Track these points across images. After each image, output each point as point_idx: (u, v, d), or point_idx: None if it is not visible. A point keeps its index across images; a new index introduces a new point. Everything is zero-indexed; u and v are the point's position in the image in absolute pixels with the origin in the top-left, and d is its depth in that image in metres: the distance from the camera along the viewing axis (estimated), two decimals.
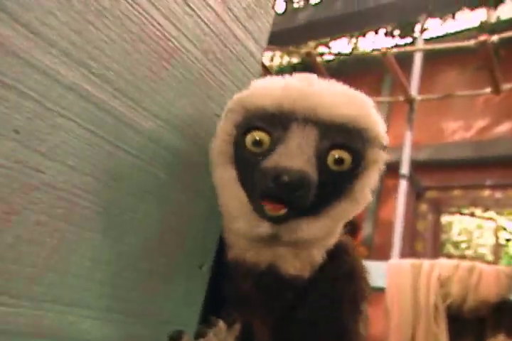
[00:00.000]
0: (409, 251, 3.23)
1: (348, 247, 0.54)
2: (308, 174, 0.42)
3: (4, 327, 0.33)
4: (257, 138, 0.45)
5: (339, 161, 0.44)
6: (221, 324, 0.47)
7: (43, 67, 0.35)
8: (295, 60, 4.12)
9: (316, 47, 3.84)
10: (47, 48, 0.36)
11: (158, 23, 0.46)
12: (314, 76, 0.49)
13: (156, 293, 0.45)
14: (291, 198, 0.42)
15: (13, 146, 0.34)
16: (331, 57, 3.53)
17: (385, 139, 0.49)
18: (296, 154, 0.42)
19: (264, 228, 0.46)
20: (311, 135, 0.44)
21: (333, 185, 0.45)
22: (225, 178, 0.48)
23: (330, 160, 0.44)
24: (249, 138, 0.46)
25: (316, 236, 0.47)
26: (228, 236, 0.52)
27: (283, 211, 0.43)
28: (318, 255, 0.51)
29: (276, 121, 0.45)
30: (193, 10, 0.50)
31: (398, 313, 1.60)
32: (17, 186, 0.34)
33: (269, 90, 0.47)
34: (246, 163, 0.46)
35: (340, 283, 0.51)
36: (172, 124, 0.48)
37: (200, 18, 0.51)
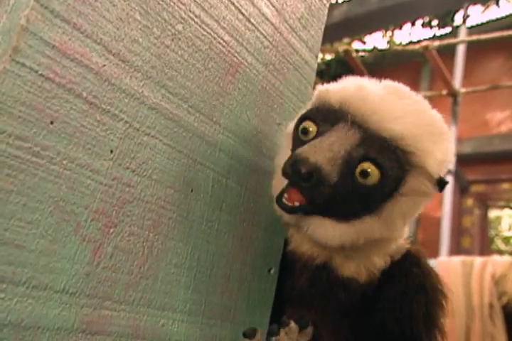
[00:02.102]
0: (456, 247, 3.14)
1: (418, 259, 0.52)
2: (322, 169, 0.41)
3: (110, 328, 0.36)
4: (306, 127, 0.47)
5: (364, 174, 0.43)
6: (293, 324, 0.49)
7: (131, 91, 0.39)
8: (329, 57, 4.09)
9: (350, 42, 3.79)
10: (133, 73, 0.39)
11: (224, 40, 0.48)
12: (401, 86, 0.49)
13: (232, 296, 0.48)
14: (303, 188, 0.43)
15: (110, 165, 0.37)
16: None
17: (438, 171, 0.45)
18: (322, 150, 0.42)
19: (288, 217, 0.48)
20: (350, 139, 0.43)
21: (357, 196, 0.44)
22: (279, 161, 0.49)
23: (358, 170, 0.43)
24: (301, 126, 0.47)
25: (332, 240, 0.46)
26: (290, 228, 0.52)
27: (297, 203, 0.44)
28: (379, 261, 0.50)
29: (330, 116, 0.46)
30: (254, 25, 0.52)
31: (451, 313, 1.56)
32: (114, 201, 0.37)
33: (343, 87, 0.47)
34: (294, 149, 0.47)
35: (411, 297, 0.50)
36: (240, 136, 0.50)
37: (259, 32, 0.53)
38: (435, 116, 0.48)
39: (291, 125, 0.50)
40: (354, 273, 0.50)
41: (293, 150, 0.48)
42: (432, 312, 0.50)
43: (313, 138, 0.45)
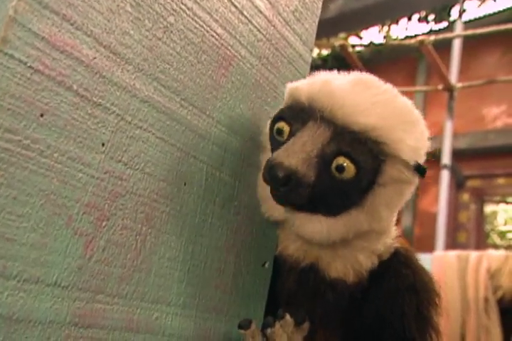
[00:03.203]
0: (452, 242, 3.16)
1: (407, 258, 0.52)
2: (298, 172, 0.42)
3: (103, 322, 0.36)
4: (279, 127, 0.47)
5: (339, 169, 0.43)
6: (288, 317, 0.49)
7: (122, 84, 0.38)
8: (325, 52, 4.08)
9: (347, 37, 3.78)
10: (124, 66, 0.38)
11: (216, 33, 0.48)
12: (371, 78, 0.49)
13: (226, 289, 0.48)
14: (281, 192, 0.43)
15: (101, 158, 0.37)
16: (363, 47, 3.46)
17: (414, 158, 0.45)
18: (295, 151, 0.42)
19: (278, 213, 0.49)
20: (321, 136, 0.44)
21: (337, 191, 0.44)
22: (261, 162, 0.50)
23: (333, 165, 0.43)
24: (275, 127, 0.48)
25: (320, 235, 0.46)
26: (278, 229, 0.53)
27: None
28: (366, 260, 0.50)
29: (300, 115, 0.46)
30: (247, 18, 0.52)
31: (446, 306, 1.58)
32: (106, 194, 0.37)
33: (311, 84, 0.47)
34: (272, 149, 0.49)
35: (401, 297, 0.49)
36: (233, 129, 0.50)
37: (253, 24, 0.53)
38: (405, 103, 0.48)
39: (267, 127, 0.50)
40: (341, 273, 0.50)
41: (272, 150, 0.49)
42: (423, 312, 0.50)
43: (288, 137, 0.46)
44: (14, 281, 0.31)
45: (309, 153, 0.43)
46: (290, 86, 0.50)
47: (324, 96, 0.45)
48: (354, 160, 0.43)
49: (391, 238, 0.52)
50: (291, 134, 0.46)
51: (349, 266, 0.50)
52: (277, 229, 0.54)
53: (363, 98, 0.45)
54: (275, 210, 0.49)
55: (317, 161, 0.43)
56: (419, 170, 0.46)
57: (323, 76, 0.50)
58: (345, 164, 0.43)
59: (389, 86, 0.49)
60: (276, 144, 0.47)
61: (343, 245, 0.49)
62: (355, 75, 0.49)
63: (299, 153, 0.42)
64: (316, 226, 0.47)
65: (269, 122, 0.50)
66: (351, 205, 0.46)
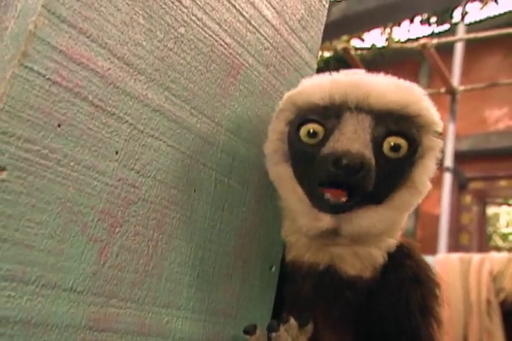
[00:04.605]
0: (454, 244, 3.16)
1: (410, 250, 0.53)
2: (367, 156, 0.43)
3: (116, 326, 0.37)
4: (311, 130, 0.47)
5: (396, 148, 0.45)
6: (292, 321, 0.50)
7: (135, 93, 0.39)
8: (327, 54, 4.09)
9: (349, 40, 3.79)
10: (137, 76, 0.39)
11: (225, 43, 0.49)
12: (361, 70, 0.52)
13: (234, 293, 0.49)
14: (352, 181, 0.42)
15: (115, 166, 0.38)
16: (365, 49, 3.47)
17: (439, 126, 0.49)
18: (352, 138, 0.43)
19: (325, 222, 0.46)
20: (365, 122, 0.45)
21: (391, 172, 0.46)
22: (282, 176, 0.50)
23: (386, 147, 0.45)
24: (303, 131, 0.47)
25: (377, 228, 0.47)
26: (288, 237, 0.53)
27: (345, 198, 0.44)
28: (379, 255, 0.51)
29: (329, 112, 0.46)
30: (254, 27, 0.53)
31: (448, 309, 1.58)
32: (119, 201, 0.38)
33: (318, 85, 0.49)
34: (302, 156, 0.47)
35: (406, 288, 0.51)
36: (241, 136, 0.51)
37: (260, 33, 0.54)
38: (411, 83, 0.51)
39: (271, 143, 0.51)
40: (358, 270, 0.51)
41: (297, 161, 0.48)
42: (427, 302, 0.51)
43: (324, 136, 0.46)
44: (33, 286, 0.32)
45: (364, 138, 0.44)
46: (289, 94, 0.51)
47: (351, 87, 0.46)
48: (405, 136, 0.45)
49: (399, 232, 0.54)
50: (328, 132, 0.46)
51: (366, 262, 0.51)
52: (285, 235, 0.53)
53: (380, 82, 0.48)
54: (321, 220, 0.46)
55: (372, 146, 0.44)
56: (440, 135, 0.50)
57: (320, 78, 0.51)
58: (398, 142, 0.45)
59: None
60: (308, 148, 0.46)
61: (359, 242, 0.49)
62: (347, 71, 0.52)
63: (356, 139, 0.43)
64: (368, 221, 0.46)
65: (285, 130, 0.50)
66: (397, 186, 0.47)
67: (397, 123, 0.46)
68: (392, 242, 0.52)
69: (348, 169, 0.41)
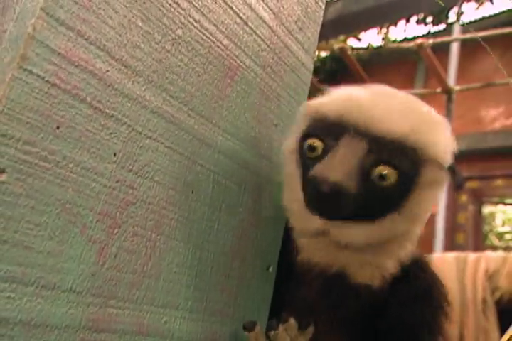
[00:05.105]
0: (450, 243, 3.18)
1: (423, 263, 0.54)
2: (343, 186, 0.43)
3: (115, 326, 0.37)
4: (312, 144, 0.48)
5: (382, 177, 0.45)
6: (292, 321, 0.50)
7: (133, 95, 0.40)
8: (323, 54, 4.10)
9: (346, 39, 3.80)
10: (135, 78, 0.40)
11: (222, 44, 0.49)
12: (387, 88, 0.51)
13: (231, 293, 0.49)
14: (326, 207, 0.45)
15: (113, 168, 0.38)
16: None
17: (446, 160, 0.48)
18: (337, 166, 0.44)
19: (315, 224, 0.48)
20: (358, 148, 0.45)
21: (381, 198, 0.46)
22: (290, 176, 0.51)
23: (374, 175, 0.45)
24: (306, 144, 0.49)
25: (363, 241, 0.48)
26: (299, 238, 0.53)
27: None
28: (390, 266, 0.51)
29: (332, 130, 0.47)
30: (251, 28, 0.53)
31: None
32: (118, 203, 0.38)
33: (335, 100, 0.49)
34: (304, 165, 0.49)
35: (418, 304, 0.51)
36: (238, 137, 0.51)
37: (257, 35, 0.54)
38: (427, 108, 0.50)
39: (290, 142, 0.52)
40: (368, 279, 0.51)
41: (302, 167, 0.50)
42: (436, 319, 0.52)
43: (322, 153, 0.47)
44: (32, 287, 0.32)
45: (350, 165, 0.44)
46: (311, 103, 0.52)
47: (354, 110, 0.46)
48: (395, 167, 0.45)
49: (413, 244, 0.53)
50: (326, 149, 0.47)
51: (376, 271, 0.51)
52: (300, 238, 0.53)
53: (391, 107, 0.47)
54: (311, 222, 0.49)
55: (358, 173, 0.44)
56: (450, 170, 0.49)
57: (344, 91, 0.51)
58: (385, 172, 0.45)
59: (407, 94, 0.51)
60: (309, 160, 0.48)
61: (372, 251, 0.50)
62: (373, 87, 0.51)
63: (341, 166, 0.43)
64: (356, 232, 0.48)
65: (296, 138, 0.51)
66: (391, 210, 0.47)
67: (390, 153, 0.45)
68: (404, 253, 0.52)
69: (323, 196, 0.43)
